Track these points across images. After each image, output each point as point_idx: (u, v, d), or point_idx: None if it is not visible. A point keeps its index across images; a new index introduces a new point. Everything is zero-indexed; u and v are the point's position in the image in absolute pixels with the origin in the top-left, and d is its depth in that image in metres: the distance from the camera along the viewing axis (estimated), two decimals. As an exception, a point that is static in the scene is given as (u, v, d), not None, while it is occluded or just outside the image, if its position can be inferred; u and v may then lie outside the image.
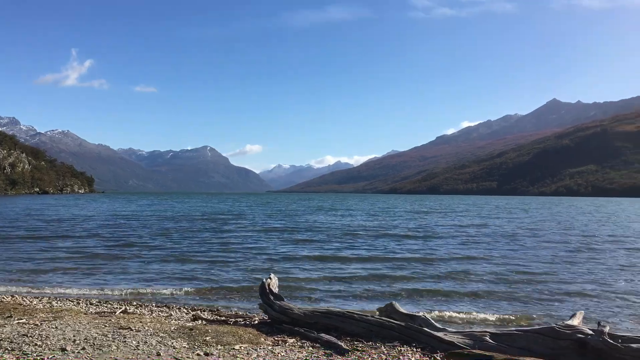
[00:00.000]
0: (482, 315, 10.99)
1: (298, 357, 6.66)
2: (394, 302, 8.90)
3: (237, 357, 6.49)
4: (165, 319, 9.27)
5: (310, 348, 7.20)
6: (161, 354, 6.41)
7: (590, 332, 6.63)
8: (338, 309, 8.79)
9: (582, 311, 8.05)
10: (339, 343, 7.26)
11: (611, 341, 6.38)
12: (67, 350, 6.44)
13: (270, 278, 9.60)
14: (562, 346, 6.71)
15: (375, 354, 6.95)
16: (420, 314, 8.48)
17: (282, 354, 6.81)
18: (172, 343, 7.05)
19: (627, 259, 20.09)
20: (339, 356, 6.79)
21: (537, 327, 7.31)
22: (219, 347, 6.94)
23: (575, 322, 7.39)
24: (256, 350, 6.90)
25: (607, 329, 6.61)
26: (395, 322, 7.95)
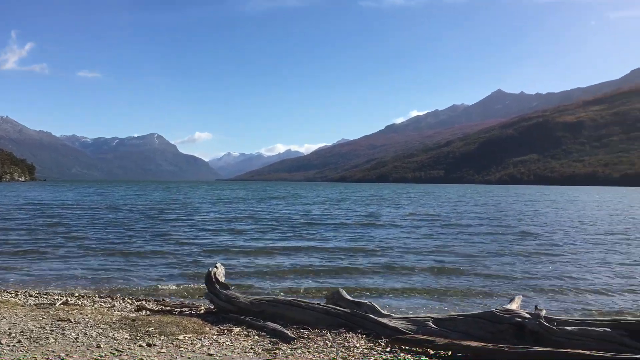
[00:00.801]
0: (425, 302, 11.21)
1: (243, 346, 6.62)
2: (340, 289, 8.97)
3: (180, 347, 6.40)
4: (107, 310, 9.05)
5: (256, 337, 7.18)
6: (101, 346, 6.24)
7: (528, 315, 6.84)
8: (285, 298, 8.79)
9: (520, 296, 8.32)
10: (285, 331, 7.26)
11: (547, 324, 6.60)
12: (1, 344, 6.20)
13: (216, 267, 9.49)
14: (501, 330, 6.90)
15: (320, 340, 6.99)
16: (367, 301, 8.56)
17: (227, 343, 6.76)
18: (113, 334, 6.88)
19: (571, 247, 20.86)
20: (284, 344, 6.79)
21: (477, 312, 7.49)
22: (162, 337, 6.83)
23: (514, 306, 7.62)
24: (200, 340, 6.82)
25: (543, 313, 6.84)
26: (341, 309, 8.01)
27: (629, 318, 6.74)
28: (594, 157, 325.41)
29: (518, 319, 6.86)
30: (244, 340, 6.91)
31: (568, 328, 6.58)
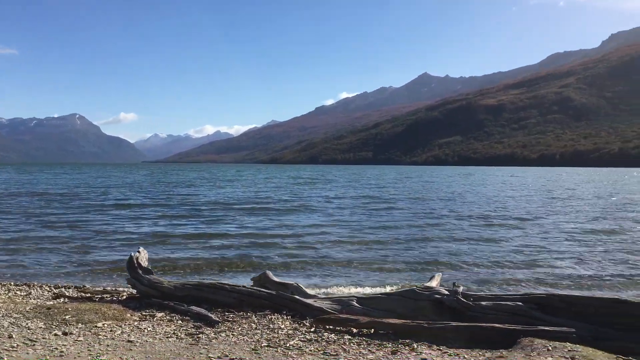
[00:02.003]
0: (352, 281, 11.41)
1: (166, 331, 6.51)
2: (267, 271, 8.98)
3: (99, 335, 6.20)
4: (22, 299, 8.65)
5: (180, 321, 7.07)
6: (13, 336, 5.96)
7: (446, 292, 7.10)
8: (210, 281, 8.70)
9: (440, 273, 8.63)
10: (209, 315, 7.19)
11: (464, 300, 6.88)
12: None
13: (139, 252, 9.26)
14: (421, 306, 7.13)
15: (245, 323, 6.97)
16: (293, 282, 8.61)
17: (149, 328, 6.62)
18: (27, 324, 6.58)
19: (492, 227, 21.74)
20: (208, 328, 6.73)
21: (399, 290, 7.69)
22: (80, 325, 6.60)
23: (434, 283, 7.89)
24: (121, 326, 6.64)
25: (460, 289, 7.12)
26: (267, 291, 8.02)
27: (538, 292, 7.13)
28: (513, 138, 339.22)
29: (437, 296, 7.11)
30: (166, 326, 6.80)
31: (483, 303, 6.88)
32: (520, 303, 6.71)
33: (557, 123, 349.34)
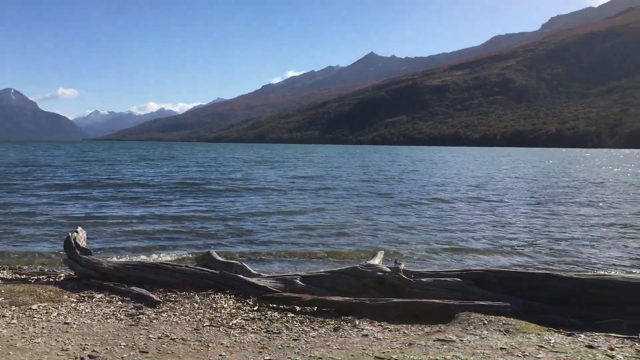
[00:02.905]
0: (296, 260, 11.47)
1: (104, 312, 6.36)
2: (211, 250, 8.90)
3: (34, 317, 6.00)
4: (-49, 282, 8.25)
5: (120, 302, 6.92)
6: (-59, 322, 5.69)
7: (388, 269, 7.23)
8: (151, 261, 8.56)
9: (382, 251, 8.76)
10: (151, 295, 7.07)
11: (405, 277, 7.02)
12: None
13: (77, 231, 8.98)
14: (364, 284, 7.24)
15: (188, 303, 6.90)
16: (237, 261, 8.57)
17: (87, 310, 6.45)
18: (-44, 309, 6.30)
19: (437, 206, 22.21)
20: (149, 308, 6.62)
21: (343, 268, 7.78)
22: (14, 307, 6.36)
23: (376, 261, 8.01)
24: (57, 308, 6.44)
25: (402, 267, 7.26)
26: (210, 270, 7.94)
27: (476, 268, 7.34)
28: (457, 119, 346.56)
29: (379, 273, 7.22)
30: (105, 307, 6.64)
31: (424, 279, 7.05)
32: (458, 279, 6.91)
33: (499, 104, 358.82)
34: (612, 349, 5.03)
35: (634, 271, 10.36)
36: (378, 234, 14.47)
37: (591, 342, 5.25)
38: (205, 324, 5.94)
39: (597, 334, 5.60)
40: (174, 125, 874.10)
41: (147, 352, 4.84)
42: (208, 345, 5.10)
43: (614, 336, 5.53)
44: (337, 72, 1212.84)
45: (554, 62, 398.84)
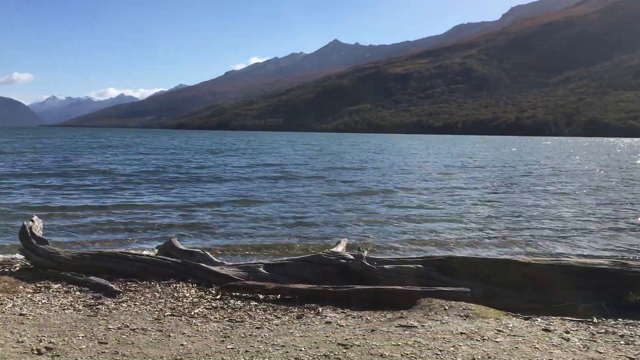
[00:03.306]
0: (260, 247, 11.42)
1: (62, 303, 6.20)
2: (173, 239, 8.77)
3: (-13, 309, 5.81)
4: None
5: (78, 292, 6.77)
6: None
7: (351, 257, 7.25)
8: (110, 250, 8.38)
9: (346, 239, 8.79)
10: (110, 285, 6.93)
11: (368, 264, 7.06)
12: None
13: (32, 221, 8.73)
14: (327, 271, 7.25)
15: (148, 292, 6.79)
16: (199, 250, 8.47)
17: (44, 301, 6.29)
18: None
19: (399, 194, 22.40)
20: (109, 298, 6.49)
21: (306, 255, 7.78)
22: (-34, 300, 6.15)
23: (340, 248, 8.04)
24: (12, 299, 6.25)
25: (365, 254, 7.30)
26: (172, 259, 7.84)
27: (438, 255, 7.47)
28: (420, 107, 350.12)
29: (342, 261, 7.25)
30: (63, 297, 6.48)
31: (387, 266, 7.10)
32: (421, 265, 6.98)
33: (461, 93, 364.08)
34: (567, 332, 5.17)
35: (595, 255, 10.67)
36: (342, 222, 14.51)
37: (547, 326, 5.39)
38: (166, 314, 5.86)
39: (554, 317, 5.75)
40: (134, 112, 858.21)
41: (106, 343, 4.75)
42: (169, 335, 5.04)
43: (570, 320, 5.69)
44: (301, 59, 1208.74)
45: (514, 51, 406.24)
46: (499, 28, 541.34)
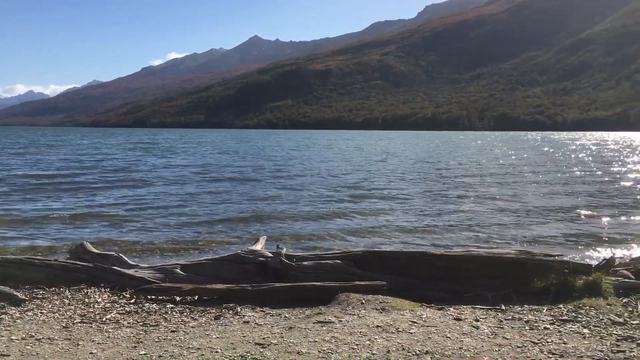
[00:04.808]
0: (178, 248, 11.17)
1: (-42, 316, 5.79)
2: (85, 242, 8.41)
3: None
4: None
5: (-22, 303, 6.33)
6: None
7: (270, 255, 7.22)
8: (15, 257, 7.92)
9: (265, 236, 8.74)
10: (15, 293, 6.52)
11: (287, 261, 7.05)
12: None
13: None
14: (246, 270, 7.18)
15: (57, 299, 6.46)
16: (113, 252, 8.16)
17: (-62, 315, 5.84)
18: None
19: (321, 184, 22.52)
20: (13, 307, 6.11)
21: (225, 255, 7.68)
22: None
23: (259, 246, 7.98)
24: None
25: (284, 251, 7.28)
26: (82, 263, 7.50)
27: (355, 250, 7.56)
28: (340, 103, 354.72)
29: (261, 259, 7.20)
30: (-40, 309, 6.05)
31: (306, 263, 7.12)
32: (339, 261, 7.05)
33: (379, 89, 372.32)
34: (477, 320, 5.39)
35: (513, 244, 11.17)
36: (262, 220, 14.40)
37: (459, 315, 5.59)
38: (75, 321, 5.59)
39: (465, 306, 5.98)
40: (45, 109, 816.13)
41: (8, 355, 4.48)
42: (78, 344, 4.81)
43: (480, 308, 5.94)
44: (220, 55, 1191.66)
45: (429, 49, 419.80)
46: (415, 26, 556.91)
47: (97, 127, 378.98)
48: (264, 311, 5.99)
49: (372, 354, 4.40)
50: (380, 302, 5.91)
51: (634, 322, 5.32)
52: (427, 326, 5.15)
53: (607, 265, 7.05)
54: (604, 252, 10.42)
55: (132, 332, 5.19)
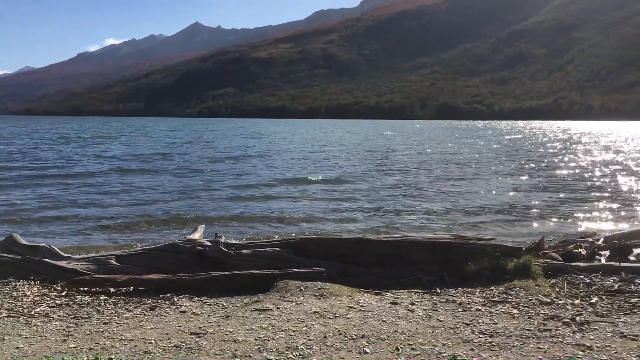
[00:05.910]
0: (115, 237, 10.89)
1: None
2: (14, 234, 8.08)
3: None
4: None
5: None
6: None
7: (208, 243, 7.12)
8: None
9: (203, 225, 8.63)
10: None
11: (225, 249, 6.97)
12: None
13: None
14: (183, 259, 7.06)
15: (-18, 294, 6.17)
16: (44, 244, 7.86)
17: None
18: None
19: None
20: None
21: (161, 244, 7.53)
22: None
23: (197, 235, 7.87)
24: None
25: (222, 240, 7.20)
26: (9, 256, 7.19)
27: (295, 237, 7.57)
28: (283, 91, 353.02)
29: (199, 248, 7.10)
30: None
31: (244, 251, 7.07)
32: (278, 248, 7.03)
33: (323, 77, 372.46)
34: (412, 304, 5.50)
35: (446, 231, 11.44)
36: (201, 209, 14.22)
37: (395, 299, 5.69)
38: (2, 315, 5.35)
39: (402, 291, 6.09)
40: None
41: None
42: (3, 339, 4.60)
43: (415, 292, 6.06)
44: (160, 41, 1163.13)
45: (372, 38, 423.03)
46: (357, 15, 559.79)
47: (29, 115, 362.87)
48: (201, 301, 5.92)
49: (309, 340, 4.42)
50: (318, 289, 5.93)
51: (560, 302, 5.56)
52: (364, 311, 5.21)
53: (537, 248, 7.34)
54: (536, 236, 10.82)
55: (62, 325, 5.02)
